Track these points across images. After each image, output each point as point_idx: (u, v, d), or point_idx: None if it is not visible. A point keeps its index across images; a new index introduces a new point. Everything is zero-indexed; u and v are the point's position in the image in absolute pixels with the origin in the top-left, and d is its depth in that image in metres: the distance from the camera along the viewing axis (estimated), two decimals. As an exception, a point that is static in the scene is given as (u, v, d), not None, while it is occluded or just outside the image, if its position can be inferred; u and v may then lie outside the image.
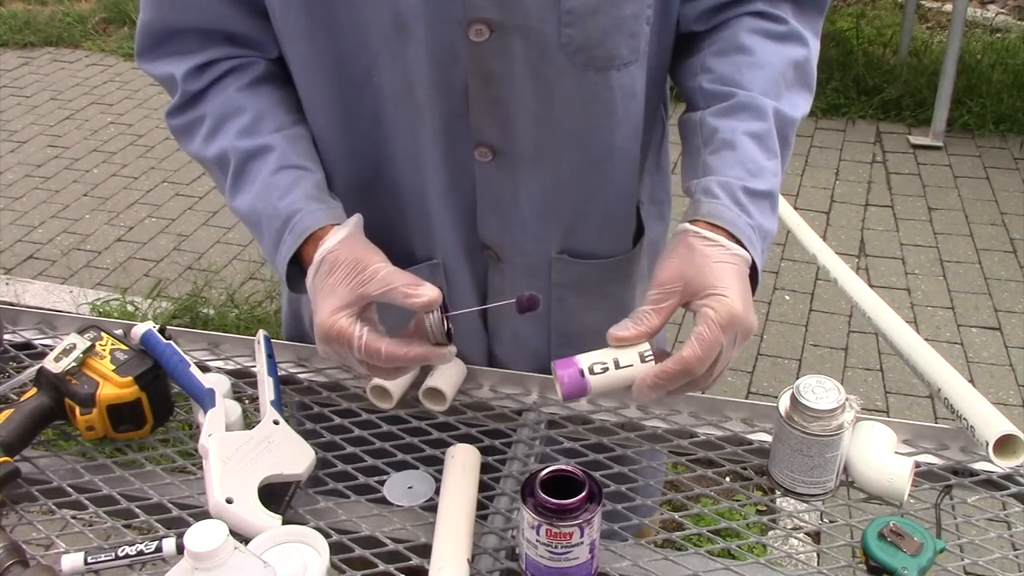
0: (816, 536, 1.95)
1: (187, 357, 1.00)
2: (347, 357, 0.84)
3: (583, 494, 0.79)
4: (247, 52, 0.95)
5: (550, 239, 1.01)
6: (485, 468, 0.96)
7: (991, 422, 0.94)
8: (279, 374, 1.03)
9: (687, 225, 0.86)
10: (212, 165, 0.96)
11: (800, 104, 0.94)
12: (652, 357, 0.81)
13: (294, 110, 0.96)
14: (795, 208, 2.85)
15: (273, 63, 0.96)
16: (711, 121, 0.91)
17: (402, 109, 0.90)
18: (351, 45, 0.87)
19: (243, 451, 0.90)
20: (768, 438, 0.98)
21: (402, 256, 0.97)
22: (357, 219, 0.90)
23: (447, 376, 1.04)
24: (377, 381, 1.01)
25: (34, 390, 0.99)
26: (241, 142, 0.92)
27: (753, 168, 0.88)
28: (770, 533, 1.93)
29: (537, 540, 0.80)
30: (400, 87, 0.89)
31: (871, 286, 2.20)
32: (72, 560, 0.83)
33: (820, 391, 0.88)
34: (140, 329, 1.02)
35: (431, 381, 1.03)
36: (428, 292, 0.81)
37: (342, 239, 0.86)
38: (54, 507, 0.93)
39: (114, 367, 0.98)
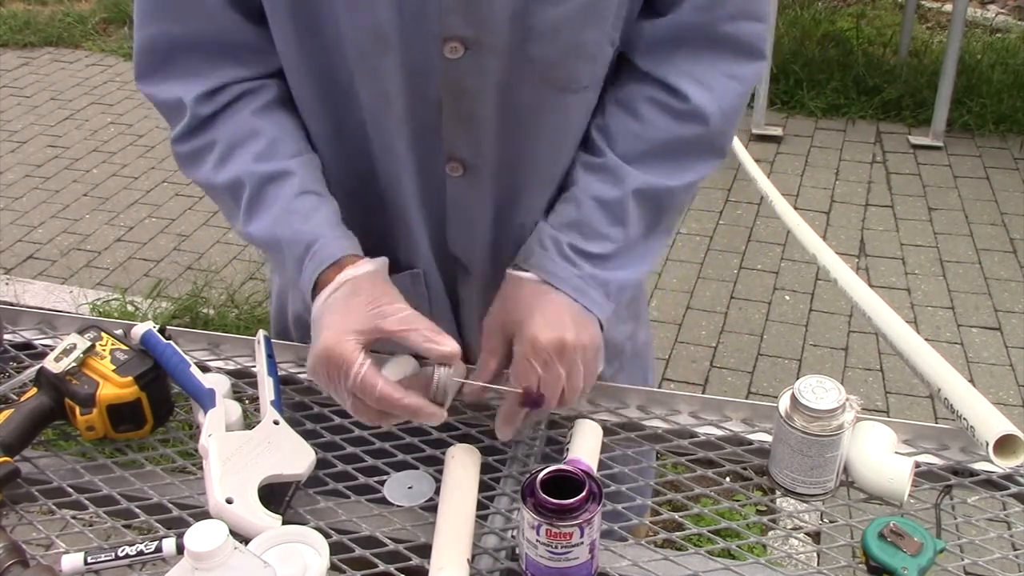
0: (816, 536, 1.95)
1: (187, 357, 1.00)
2: (336, 384, 0.82)
3: (583, 494, 0.79)
4: (255, 71, 0.92)
5: (509, 248, 1.02)
6: (485, 468, 0.96)
7: (991, 422, 0.94)
8: (279, 374, 1.03)
9: (510, 272, 0.95)
10: (222, 192, 0.93)
11: (687, 174, 0.96)
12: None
13: (306, 136, 0.95)
14: (795, 208, 2.85)
15: (283, 87, 0.94)
16: (577, 169, 0.97)
17: (380, 120, 0.91)
18: (333, 56, 0.87)
19: (243, 451, 0.90)
20: (768, 438, 0.97)
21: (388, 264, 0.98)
22: (383, 261, 0.90)
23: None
24: None
25: (34, 390, 0.99)
26: (258, 166, 0.90)
27: (588, 232, 0.94)
28: (770, 533, 1.93)
29: (537, 540, 0.80)
30: (378, 99, 0.89)
31: (871, 286, 2.20)
32: (72, 560, 0.83)
33: (820, 391, 0.88)
34: (140, 329, 1.02)
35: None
36: (450, 344, 0.82)
37: (369, 271, 0.87)
38: (54, 507, 0.93)
39: (114, 367, 0.98)
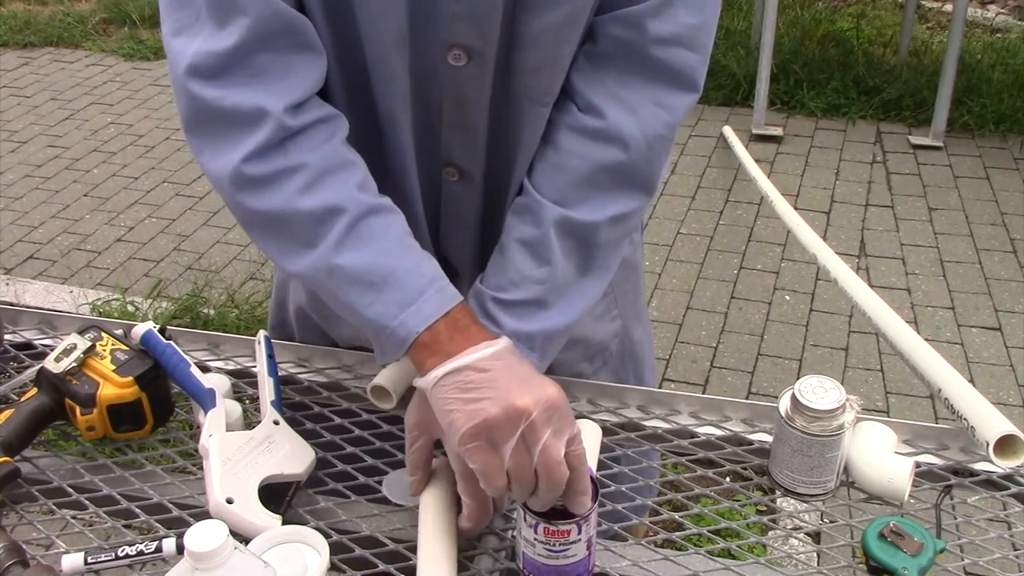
0: (816, 536, 1.95)
1: (187, 357, 1.00)
2: (545, 436, 0.76)
3: (582, 493, 0.79)
4: (318, 67, 0.86)
5: None
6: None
7: (991, 422, 0.94)
8: (279, 374, 1.03)
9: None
10: (303, 219, 0.83)
11: (608, 207, 0.92)
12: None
13: None
14: (795, 208, 2.85)
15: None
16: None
17: (392, 124, 0.91)
18: (356, 56, 0.88)
19: (243, 451, 0.90)
20: (768, 438, 0.98)
21: None
22: None
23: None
24: (377, 381, 1.00)
25: (34, 390, 0.99)
26: (362, 196, 0.85)
27: (515, 278, 0.91)
28: (770, 533, 1.93)
29: (535, 539, 0.80)
30: (392, 101, 0.90)
31: (871, 286, 2.20)
32: (72, 560, 0.83)
33: (820, 391, 0.88)
34: (140, 329, 1.02)
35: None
36: None
37: None
38: (54, 507, 0.93)
39: (114, 367, 0.98)
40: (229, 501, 0.85)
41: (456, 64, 0.86)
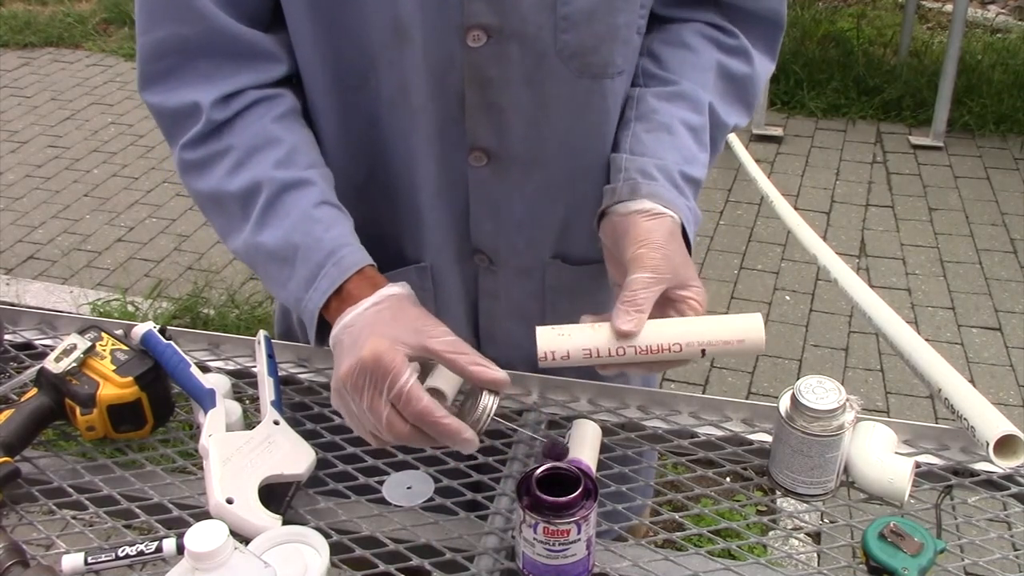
0: (816, 536, 1.95)
1: (187, 357, 1.00)
2: (375, 394, 0.77)
3: (579, 491, 0.79)
4: (268, 76, 0.90)
5: (544, 243, 1.01)
6: (485, 468, 0.96)
7: (991, 422, 0.94)
8: (279, 374, 1.03)
9: (664, 210, 0.88)
10: (231, 199, 0.89)
11: (733, 115, 0.98)
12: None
13: (319, 146, 0.94)
14: (795, 208, 2.85)
15: (297, 98, 0.93)
16: (651, 100, 0.95)
17: (398, 113, 0.90)
18: (350, 49, 0.87)
19: (243, 451, 0.90)
20: (768, 438, 0.98)
21: (391, 258, 0.97)
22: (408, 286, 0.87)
23: (447, 376, 1.03)
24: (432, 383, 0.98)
25: (34, 390, 0.99)
26: (278, 172, 0.87)
27: (688, 155, 0.93)
28: (770, 533, 1.93)
29: (535, 538, 0.80)
30: (396, 91, 0.89)
31: (871, 286, 2.20)
32: (72, 560, 0.83)
33: (820, 391, 0.88)
34: (140, 329, 1.02)
35: (431, 381, 1.02)
36: (501, 371, 0.80)
37: (409, 294, 0.85)
38: (54, 507, 0.93)
39: (114, 367, 0.98)
40: (229, 501, 0.85)
41: (475, 45, 0.86)
